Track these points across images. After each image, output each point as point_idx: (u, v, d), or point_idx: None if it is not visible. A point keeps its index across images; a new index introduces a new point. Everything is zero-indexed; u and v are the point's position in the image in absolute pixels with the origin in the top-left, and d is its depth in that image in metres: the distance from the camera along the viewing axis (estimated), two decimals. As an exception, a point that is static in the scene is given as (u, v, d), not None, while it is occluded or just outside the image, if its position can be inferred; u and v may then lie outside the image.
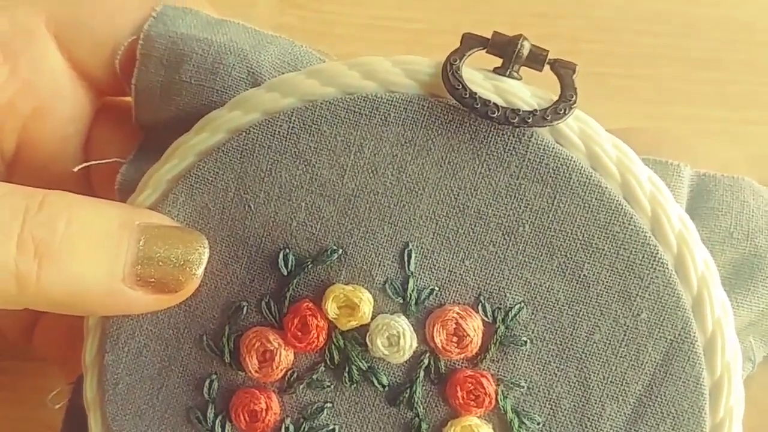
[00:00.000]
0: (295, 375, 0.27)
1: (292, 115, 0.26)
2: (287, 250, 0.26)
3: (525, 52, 0.25)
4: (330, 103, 0.25)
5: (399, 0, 0.40)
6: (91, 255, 0.24)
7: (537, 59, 0.25)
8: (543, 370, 0.25)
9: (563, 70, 0.25)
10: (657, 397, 0.25)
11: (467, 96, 0.24)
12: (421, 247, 0.25)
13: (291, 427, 0.27)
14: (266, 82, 0.27)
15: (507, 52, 0.25)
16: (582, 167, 0.24)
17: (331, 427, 0.27)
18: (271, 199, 0.26)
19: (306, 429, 0.27)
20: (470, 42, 0.25)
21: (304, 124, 0.26)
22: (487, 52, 0.25)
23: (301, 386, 0.27)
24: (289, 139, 0.26)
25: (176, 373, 0.28)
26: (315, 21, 0.40)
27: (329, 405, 0.27)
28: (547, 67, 0.25)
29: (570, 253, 0.25)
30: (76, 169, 0.29)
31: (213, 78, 0.27)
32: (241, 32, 0.28)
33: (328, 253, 0.26)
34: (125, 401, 0.28)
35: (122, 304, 0.25)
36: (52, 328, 0.31)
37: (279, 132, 0.26)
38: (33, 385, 0.37)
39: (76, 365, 0.29)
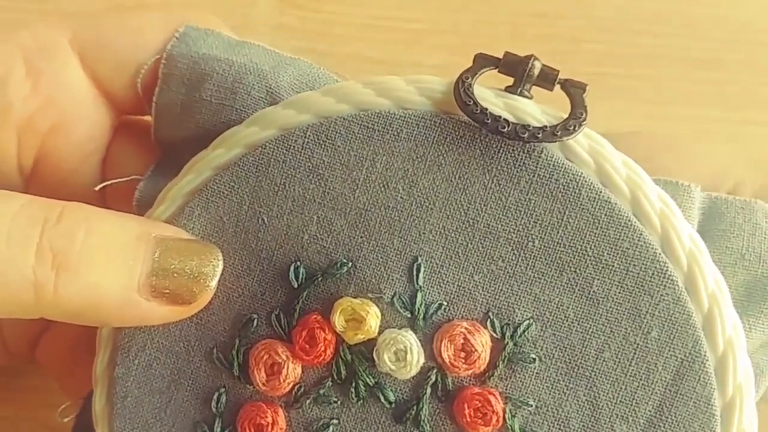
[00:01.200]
0: (302, 389, 0.27)
1: (307, 131, 0.26)
2: (298, 263, 0.26)
3: (536, 71, 0.25)
4: (344, 119, 0.26)
5: (399, 0, 0.40)
6: (108, 266, 0.24)
7: (548, 78, 0.25)
8: (552, 388, 0.25)
9: (573, 90, 0.25)
10: (668, 417, 0.24)
11: (478, 111, 0.25)
12: (431, 262, 0.26)
13: (296, 443, 0.27)
14: (284, 101, 0.27)
15: (518, 71, 0.26)
16: (592, 183, 0.25)
17: (336, 445, 0.26)
18: (284, 213, 0.26)
19: (311, 446, 0.27)
20: (482, 61, 0.26)
21: (318, 138, 0.26)
22: (498, 71, 0.26)
23: (307, 401, 0.27)
24: (304, 153, 0.26)
25: (185, 387, 0.28)
26: (315, 21, 0.40)
27: (335, 421, 0.26)
28: (558, 87, 0.26)
29: (579, 269, 0.25)
30: (97, 188, 0.30)
31: (233, 97, 0.28)
32: (261, 53, 0.28)
33: (338, 266, 0.26)
34: (133, 414, 0.28)
35: (137, 315, 0.25)
36: (56, 343, 0.32)
37: (294, 146, 0.26)
38: (33, 385, 0.37)
39: (77, 382, 0.30)
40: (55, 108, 0.29)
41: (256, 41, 0.29)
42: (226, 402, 0.27)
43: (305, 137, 0.26)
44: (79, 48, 0.29)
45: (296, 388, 0.27)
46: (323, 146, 0.26)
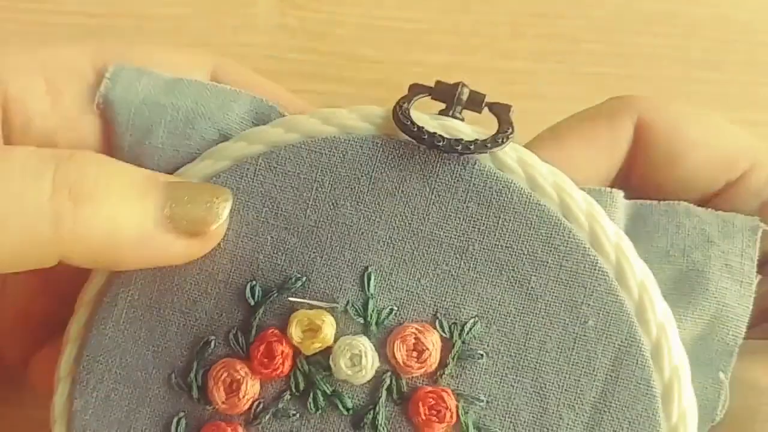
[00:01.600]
0: (261, 406, 0.27)
1: (258, 159, 0.28)
2: (254, 282, 0.28)
3: (464, 96, 0.28)
4: (293, 145, 0.28)
5: (399, 0, 0.41)
6: (123, 199, 0.25)
7: (476, 102, 0.28)
8: (501, 382, 0.26)
9: (499, 109, 0.28)
10: (611, 402, 0.26)
11: (415, 129, 0.27)
12: (380, 270, 0.27)
13: (256, 460, 0.27)
14: (237, 136, 0.29)
15: (449, 96, 0.28)
16: (522, 189, 0.27)
17: (295, 459, 0.27)
18: (239, 237, 0.28)
19: (272, 461, 0.27)
20: (416, 89, 0.29)
21: (269, 165, 0.28)
22: (431, 98, 0.29)
23: (266, 417, 0.27)
24: (256, 179, 0.28)
25: (144, 415, 0.28)
26: (315, 21, 0.40)
27: (295, 435, 0.27)
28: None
29: (517, 268, 0.27)
30: None
31: (187, 143, 0.29)
32: (202, 92, 0.30)
33: (293, 280, 0.27)
34: None
35: (154, 249, 0.25)
36: (49, 364, 0.31)
37: (246, 174, 0.28)
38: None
39: None
40: (74, 128, 0.29)
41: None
42: (185, 426, 0.28)
43: (257, 165, 0.28)
44: (101, 72, 0.30)
45: (255, 404, 0.27)
46: (274, 171, 0.28)
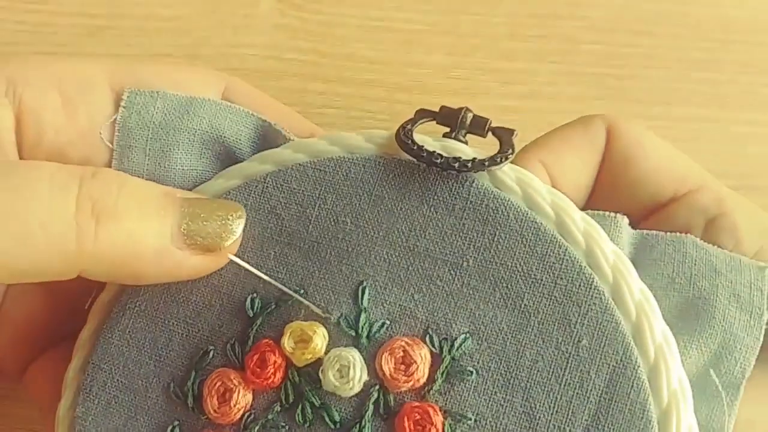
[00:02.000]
0: (251, 416, 0.27)
1: (266, 177, 0.29)
2: (254, 295, 0.28)
3: (468, 120, 0.29)
4: (300, 164, 0.29)
5: (399, 1, 0.41)
6: (143, 216, 0.26)
7: (479, 125, 0.29)
8: (489, 401, 0.26)
9: (502, 132, 0.28)
10: (604, 425, 0.25)
11: (415, 148, 0.28)
12: (375, 285, 0.27)
13: (245, 472, 0.27)
14: (251, 157, 0.30)
15: (453, 120, 0.29)
16: (519, 207, 0.27)
17: (281, 472, 0.27)
18: (244, 251, 0.29)
19: (259, 473, 0.27)
20: (422, 114, 0.29)
21: (276, 183, 0.29)
22: (437, 122, 0.29)
23: (256, 428, 0.27)
24: (263, 196, 0.29)
25: (141, 423, 0.28)
26: (315, 22, 0.40)
27: (283, 448, 0.27)
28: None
29: (511, 285, 0.26)
30: None
31: (202, 163, 0.31)
32: (216, 113, 0.31)
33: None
34: None
35: (171, 264, 0.26)
36: (44, 373, 0.32)
37: (254, 192, 0.29)
38: None
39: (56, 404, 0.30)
40: (87, 143, 0.30)
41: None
42: (179, 435, 0.28)
43: (265, 182, 0.29)
44: (117, 89, 0.30)
45: (246, 415, 0.27)
46: (281, 189, 0.29)
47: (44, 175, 0.25)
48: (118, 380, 0.29)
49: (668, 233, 0.28)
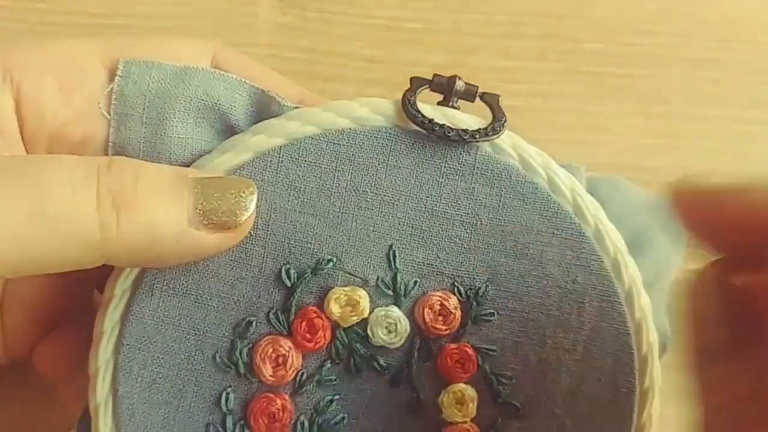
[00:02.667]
0: (304, 375, 0.31)
1: (280, 151, 0.31)
2: (288, 266, 0.31)
3: (460, 88, 0.32)
4: (312, 138, 0.31)
5: (399, 0, 0.42)
6: (160, 201, 0.27)
7: (470, 93, 0.32)
8: (509, 334, 0.31)
9: (490, 98, 0.32)
10: (597, 341, 0.32)
11: (427, 122, 0.31)
12: (403, 248, 0.31)
13: (305, 423, 0.31)
14: (251, 128, 0.31)
15: (446, 88, 0.32)
16: (518, 170, 0.31)
17: (340, 417, 0.31)
18: (268, 224, 0.31)
19: (319, 422, 0.31)
20: (417, 82, 0.32)
21: (291, 157, 0.31)
22: (430, 90, 0.32)
23: (310, 385, 0.31)
24: (280, 170, 0.31)
25: (191, 394, 0.30)
26: (315, 21, 0.41)
27: (337, 397, 0.31)
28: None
29: (518, 237, 0.31)
30: None
31: (198, 131, 0.31)
32: (210, 81, 0.31)
33: (325, 262, 0.31)
34: (141, 428, 0.30)
35: (190, 245, 0.27)
36: (55, 349, 0.32)
37: (270, 166, 0.31)
38: (38, 384, 0.37)
39: (77, 389, 0.31)
40: (85, 121, 0.30)
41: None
42: (234, 400, 0.30)
43: (279, 156, 0.31)
44: (110, 66, 0.31)
45: (299, 375, 0.31)
46: (297, 162, 0.31)
47: (63, 172, 0.26)
48: (158, 357, 0.30)
49: (604, 175, 0.34)
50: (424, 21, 0.41)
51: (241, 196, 0.29)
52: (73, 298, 0.33)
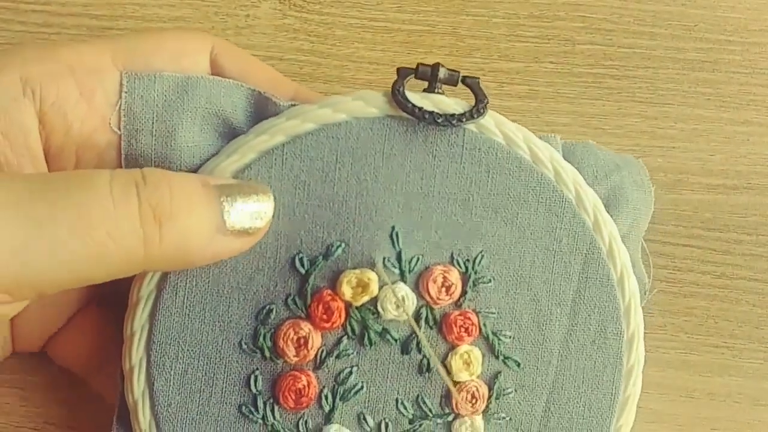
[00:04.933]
0: (324, 352, 0.33)
1: (283, 148, 0.33)
2: (300, 254, 0.33)
3: (443, 75, 0.34)
4: (311, 133, 0.33)
5: (399, 1, 0.42)
6: (192, 212, 0.28)
7: (452, 79, 0.34)
8: (505, 297, 0.34)
9: (472, 82, 0.34)
10: (585, 295, 0.35)
11: (417, 110, 0.33)
12: (403, 228, 0.34)
13: (329, 395, 0.34)
14: (253, 129, 0.33)
15: (430, 76, 0.34)
16: (502, 146, 0.34)
17: (360, 386, 0.34)
18: (279, 218, 0.33)
19: (341, 392, 0.34)
20: (403, 72, 0.34)
21: (294, 153, 0.33)
22: (416, 78, 0.34)
23: (330, 360, 0.33)
24: (285, 167, 0.33)
25: (221, 380, 0.33)
26: (316, 22, 0.41)
27: (355, 368, 0.34)
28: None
29: (507, 208, 0.34)
30: None
31: (205, 137, 0.33)
32: (212, 89, 0.33)
33: (334, 248, 0.33)
34: (179, 417, 0.33)
35: (218, 250, 0.29)
36: (76, 341, 0.34)
37: (275, 163, 0.33)
38: (41, 382, 0.38)
39: (107, 378, 0.33)
40: (109, 126, 0.31)
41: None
42: (262, 381, 0.33)
43: (283, 153, 0.33)
44: (121, 67, 0.31)
45: (319, 352, 0.33)
46: (300, 158, 0.33)
47: (103, 188, 0.27)
48: (188, 350, 0.33)
49: (578, 142, 0.37)
50: (424, 23, 0.42)
51: (262, 203, 0.31)
52: (82, 293, 0.35)
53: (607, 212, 0.36)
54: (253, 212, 0.30)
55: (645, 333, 0.36)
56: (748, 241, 0.41)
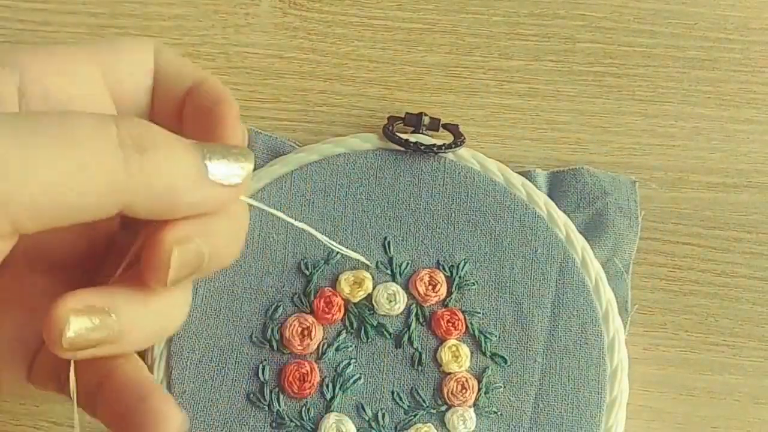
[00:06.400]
0: (325, 344, 0.37)
1: (292, 174, 0.40)
2: (305, 259, 0.38)
3: (426, 121, 0.41)
4: (317, 162, 0.40)
5: (399, 1, 0.42)
6: (175, 150, 0.27)
7: (434, 124, 0.41)
8: (489, 299, 0.38)
9: (451, 127, 0.41)
10: (563, 300, 0.39)
11: (404, 140, 0.40)
12: (395, 238, 0.39)
13: (330, 384, 0.37)
14: (268, 163, 0.40)
15: (416, 122, 0.41)
16: (478, 172, 0.40)
17: (357, 376, 0.37)
18: (287, 230, 0.39)
19: (340, 382, 0.37)
20: (392, 119, 0.41)
21: (302, 177, 0.39)
22: (404, 125, 0.42)
23: (331, 351, 0.37)
24: (293, 189, 0.39)
25: (232, 369, 0.37)
26: (316, 20, 0.42)
27: (353, 360, 0.37)
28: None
29: (485, 222, 0.39)
30: None
31: None
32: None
33: (334, 253, 0.38)
34: (191, 404, 0.36)
35: (201, 197, 0.27)
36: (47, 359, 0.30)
37: (285, 186, 0.39)
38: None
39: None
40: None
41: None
42: (269, 370, 0.37)
43: (292, 178, 0.39)
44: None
45: (321, 344, 0.37)
46: (306, 181, 0.39)
47: (83, 119, 0.26)
48: (204, 342, 0.37)
49: (568, 169, 0.42)
50: (424, 21, 0.42)
51: (242, 155, 0.29)
52: None
53: (589, 237, 0.41)
54: (233, 165, 0.28)
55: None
56: (748, 240, 0.41)
